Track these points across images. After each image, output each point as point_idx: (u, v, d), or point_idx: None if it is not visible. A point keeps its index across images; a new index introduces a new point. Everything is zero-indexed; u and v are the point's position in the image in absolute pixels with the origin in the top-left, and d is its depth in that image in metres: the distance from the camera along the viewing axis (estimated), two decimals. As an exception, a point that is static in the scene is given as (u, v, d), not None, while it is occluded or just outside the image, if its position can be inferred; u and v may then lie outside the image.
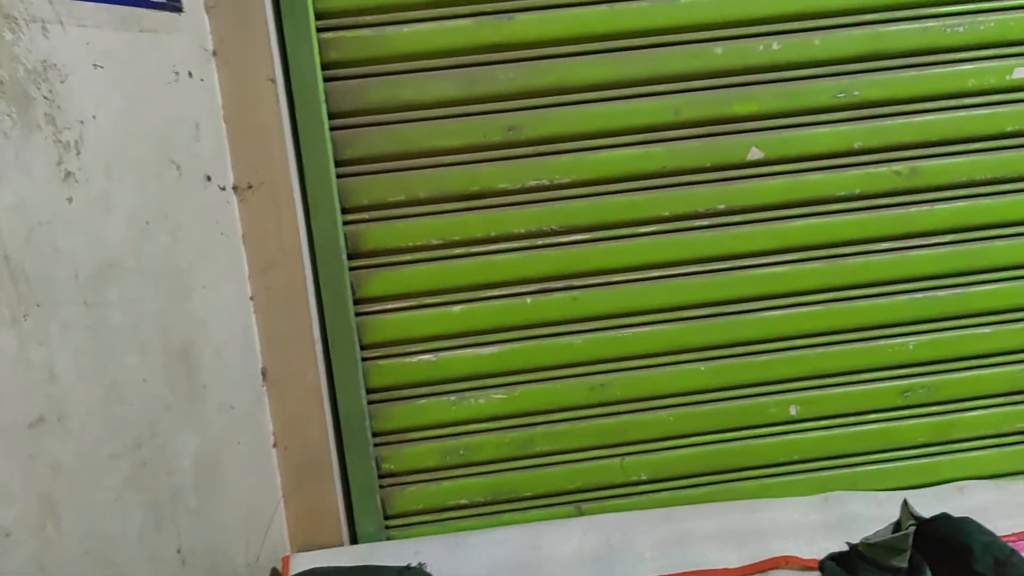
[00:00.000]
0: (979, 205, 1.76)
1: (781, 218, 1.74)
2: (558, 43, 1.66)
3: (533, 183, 1.70)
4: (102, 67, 1.31)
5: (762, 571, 1.52)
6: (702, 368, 1.78)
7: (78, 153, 1.25)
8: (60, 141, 1.22)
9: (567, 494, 1.81)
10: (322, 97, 1.64)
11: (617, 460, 1.80)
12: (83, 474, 1.22)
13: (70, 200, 1.23)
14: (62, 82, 1.22)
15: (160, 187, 1.45)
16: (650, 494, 1.81)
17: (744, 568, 1.53)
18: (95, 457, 1.25)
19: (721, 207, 1.73)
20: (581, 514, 1.79)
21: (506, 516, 1.80)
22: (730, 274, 1.75)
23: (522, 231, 1.72)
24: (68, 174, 1.23)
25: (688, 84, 1.70)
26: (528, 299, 1.74)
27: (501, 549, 1.66)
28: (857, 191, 1.74)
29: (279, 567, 1.66)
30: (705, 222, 1.74)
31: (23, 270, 1.13)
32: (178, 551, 1.43)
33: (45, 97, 1.19)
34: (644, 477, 1.81)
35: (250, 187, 1.65)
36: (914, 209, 1.75)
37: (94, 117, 1.28)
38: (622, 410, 1.78)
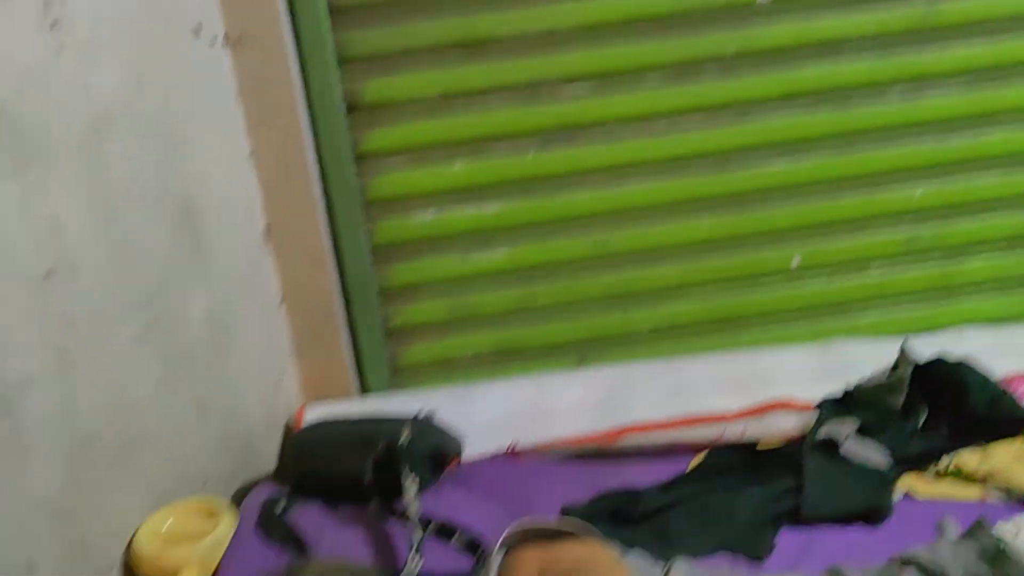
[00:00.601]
0: (996, 46, 1.70)
1: (792, 63, 1.69)
2: None
3: (535, 31, 1.64)
4: (78, -95, 1.24)
5: (760, 414, 1.56)
6: (705, 220, 1.78)
7: (63, 1, 1.20)
8: (43, -13, 1.17)
9: (570, 346, 1.84)
10: (312, -60, 1.56)
11: (619, 313, 1.83)
12: (98, 328, 1.25)
13: (60, 50, 1.19)
14: (39, -78, 1.16)
15: (149, 38, 1.40)
16: (652, 345, 1.84)
17: (743, 412, 1.58)
18: (108, 311, 1.27)
19: (730, 53, 1.68)
20: (584, 365, 1.83)
21: (511, 367, 1.84)
22: (736, 123, 1.72)
23: (524, 82, 1.67)
24: (55, 23, 1.18)
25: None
26: (530, 153, 1.72)
27: (506, 400, 1.71)
28: (872, 33, 1.68)
29: (292, 419, 1.72)
30: (712, 69, 1.69)
31: (19, 122, 1.11)
32: (194, 402, 1.48)
33: (22, -61, 1.13)
34: (646, 329, 1.84)
35: (241, 38, 1.59)
36: (929, 52, 1.70)
37: (75, -38, 1.22)
38: (625, 263, 1.79)
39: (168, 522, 1.34)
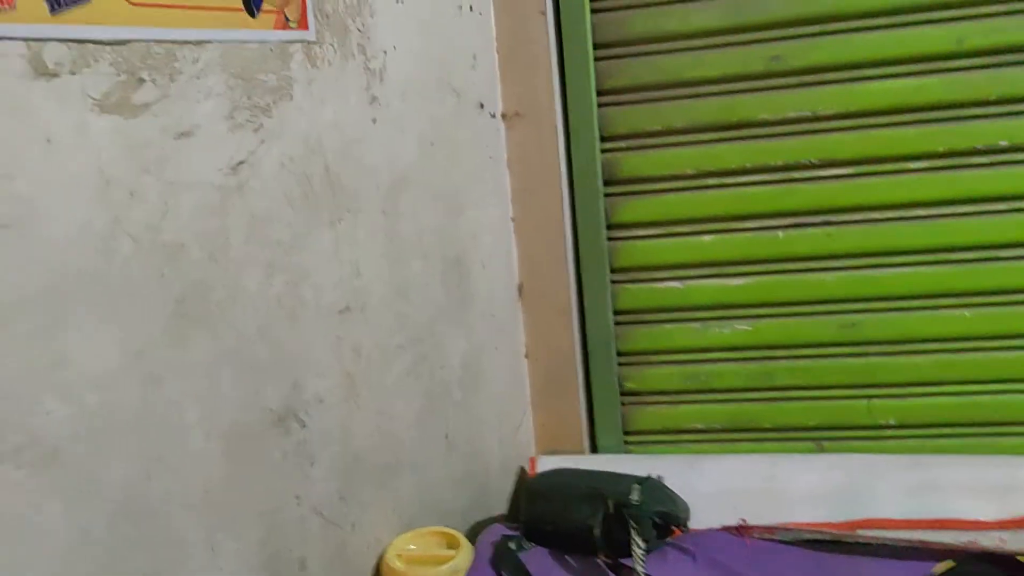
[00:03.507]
0: None
1: (1075, 156, 1.59)
2: (831, -32, 1.61)
3: (794, 114, 1.67)
4: (402, 2, 1.46)
5: (1021, 528, 1.44)
6: (967, 314, 1.68)
7: (381, 80, 1.42)
8: (368, 68, 1.39)
9: (807, 430, 1.80)
10: (589, 29, 1.71)
11: (864, 402, 1.76)
12: (377, 359, 1.42)
13: (374, 121, 1.40)
14: (372, 16, 1.39)
15: (442, 112, 1.60)
16: (898, 439, 1.75)
17: (1002, 522, 1.46)
18: (387, 345, 1.45)
19: (1003, 143, 1.61)
20: (821, 451, 1.78)
21: (742, 445, 1.83)
22: (1008, 216, 1.63)
23: (779, 163, 1.70)
24: (374, 98, 1.40)
25: (974, 11, 1.58)
26: (780, 233, 1.73)
27: (737, 474, 1.69)
28: None
29: (527, 466, 1.82)
30: (983, 159, 1.63)
31: (339, 181, 1.32)
32: (446, 437, 1.62)
33: (359, 29, 1.36)
34: (892, 422, 1.76)
35: (517, 115, 1.77)
36: None
37: (395, 47, 1.44)
38: (873, 351, 1.74)
39: (412, 545, 1.48)
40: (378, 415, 1.43)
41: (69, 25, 0.90)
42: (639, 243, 1.80)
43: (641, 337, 1.84)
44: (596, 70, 1.74)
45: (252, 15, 1.15)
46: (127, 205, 0.98)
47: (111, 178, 0.96)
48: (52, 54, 0.90)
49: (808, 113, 1.67)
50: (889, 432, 1.76)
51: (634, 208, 1.79)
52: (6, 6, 0.84)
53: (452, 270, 1.63)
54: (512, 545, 1.50)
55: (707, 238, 1.76)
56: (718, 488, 1.65)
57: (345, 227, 1.34)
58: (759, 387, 1.81)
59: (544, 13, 1.70)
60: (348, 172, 1.34)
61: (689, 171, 1.75)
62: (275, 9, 1.19)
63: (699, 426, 1.85)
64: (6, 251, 0.86)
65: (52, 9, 0.89)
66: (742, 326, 1.79)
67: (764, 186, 1.72)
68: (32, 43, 0.88)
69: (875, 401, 1.75)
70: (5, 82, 0.85)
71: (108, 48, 0.95)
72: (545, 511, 1.57)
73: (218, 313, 1.10)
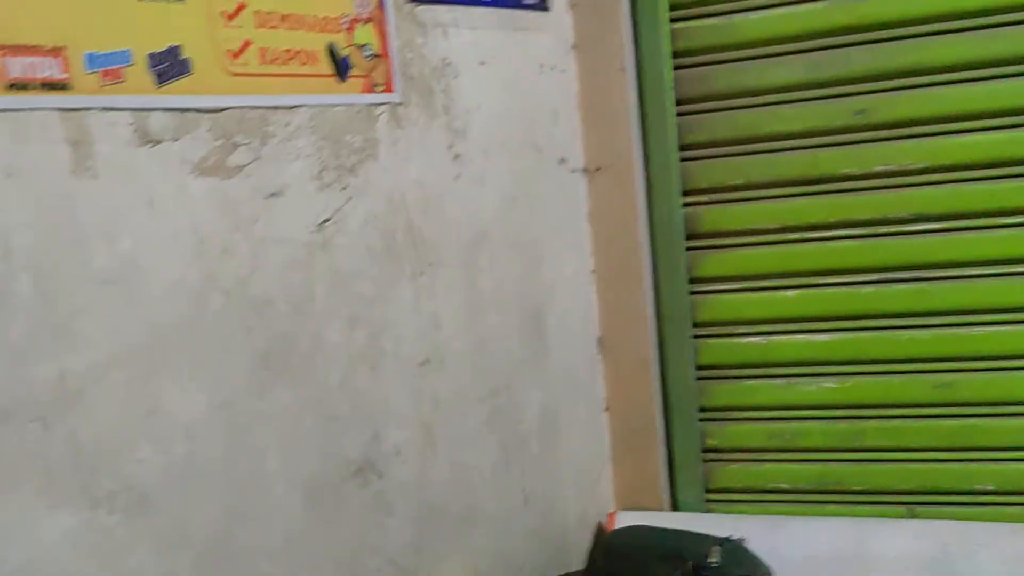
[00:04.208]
0: None
1: None
2: (917, 22, 1.58)
3: (880, 168, 1.64)
4: (485, 63, 1.51)
5: None
6: (1072, 376, 1.60)
7: (464, 138, 1.46)
8: (452, 127, 1.43)
9: (898, 494, 1.72)
10: (670, 84, 1.72)
11: (960, 465, 1.68)
12: (455, 411, 1.44)
13: (457, 178, 1.45)
14: (455, 77, 1.44)
15: (523, 168, 1.63)
16: (997, 506, 1.66)
17: (1114, 602, 1.37)
18: (464, 398, 1.47)
19: (1107, 198, 1.54)
20: (914, 517, 1.70)
21: (829, 507, 1.76)
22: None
23: (865, 218, 1.67)
24: (457, 156, 1.45)
25: (1073, 61, 1.53)
26: (868, 288, 1.69)
27: (823, 538, 1.64)
28: None
29: (604, 521, 1.80)
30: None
31: (421, 235, 1.36)
32: (522, 491, 1.62)
33: (443, 90, 1.41)
34: (991, 487, 1.67)
35: (598, 169, 1.79)
36: None
37: (478, 106, 1.49)
38: (970, 412, 1.66)
39: (488, 599, 1.47)
40: (454, 467, 1.44)
41: (173, 96, 0.97)
42: (721, 297, 1.78)
43: (723, 393, 1.81)
44: (678, 125, 1.75)
45: (341, 80, 1.22)
46: (219, 261, 1.04)
47: (205, 236, 1.02)
48: (156, 123, 0.96)
49: (895, 167, 1.63)
50: (987, 498, 1.67)
51: (716, 262, 1.77)
52: (117, 80, 0.92)
53: (531, 323, 1.65)
54: (587, 603, 1.48)
55: (791, 293, 1.73)
56: (803, 552, 1.61)
57: (426, 280, 1.37)
58: (847, 448, 1.75)
59: (623, 70, 1.73)
60: (430, 227, 1.38)
61: (772, 225, 1.72)
62: (363, 74, 1.24)
63: (784, 486, 1.80)
64: (110, 305, 0.92)
65: (158, 82, 0.96)
66: (829, 384, 1.74)
67: (850, 241, 1.68)
68: (139, 113, 0.95)
69: (972, 465, 1.67)
70: (114, 149, 0.92)
71: (206, 115, 1.02)
72: (622, 569, 1.55)
73: (301, 365, 1.14)
